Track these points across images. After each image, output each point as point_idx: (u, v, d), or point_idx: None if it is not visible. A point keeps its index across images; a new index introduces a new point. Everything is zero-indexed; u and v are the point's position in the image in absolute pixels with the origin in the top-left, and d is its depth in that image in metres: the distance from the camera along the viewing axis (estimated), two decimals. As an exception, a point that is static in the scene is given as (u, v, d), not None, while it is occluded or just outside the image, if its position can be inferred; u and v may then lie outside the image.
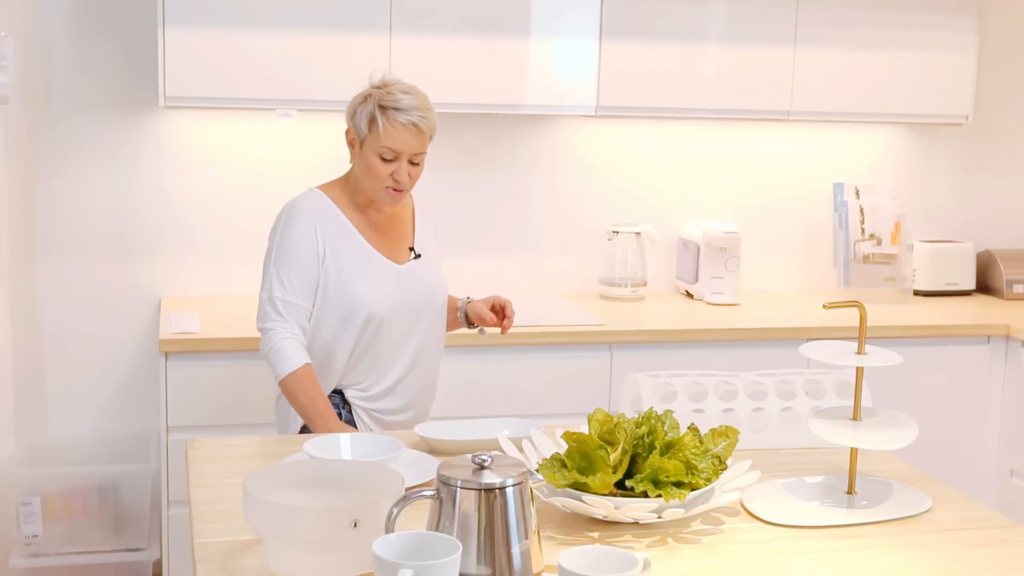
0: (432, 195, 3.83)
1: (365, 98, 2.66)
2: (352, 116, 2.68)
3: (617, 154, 4.06)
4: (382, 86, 2.67)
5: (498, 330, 2.86)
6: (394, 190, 2.67)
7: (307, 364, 2.63)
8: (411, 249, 2.79)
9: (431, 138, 2.70)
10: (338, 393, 2.75)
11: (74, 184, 3.67)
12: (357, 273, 2.69)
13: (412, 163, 2.67)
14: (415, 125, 2.63)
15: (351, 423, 2.71)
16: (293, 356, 2.62)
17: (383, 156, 2.64)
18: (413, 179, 2.69)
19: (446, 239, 3.48)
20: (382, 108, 2.62)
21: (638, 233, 3.95)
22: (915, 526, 2.05)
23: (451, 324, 2.93)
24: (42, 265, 3.68)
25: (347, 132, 2.71)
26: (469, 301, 2.91)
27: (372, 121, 2.63)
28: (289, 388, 2.62)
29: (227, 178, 3.75)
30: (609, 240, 3.96)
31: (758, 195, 4.18)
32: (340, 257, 2.68)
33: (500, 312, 2.85)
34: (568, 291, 4.04)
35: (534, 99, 3.65)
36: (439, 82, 3.55)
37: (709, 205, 4.14)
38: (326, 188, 2.77)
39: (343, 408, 2.73)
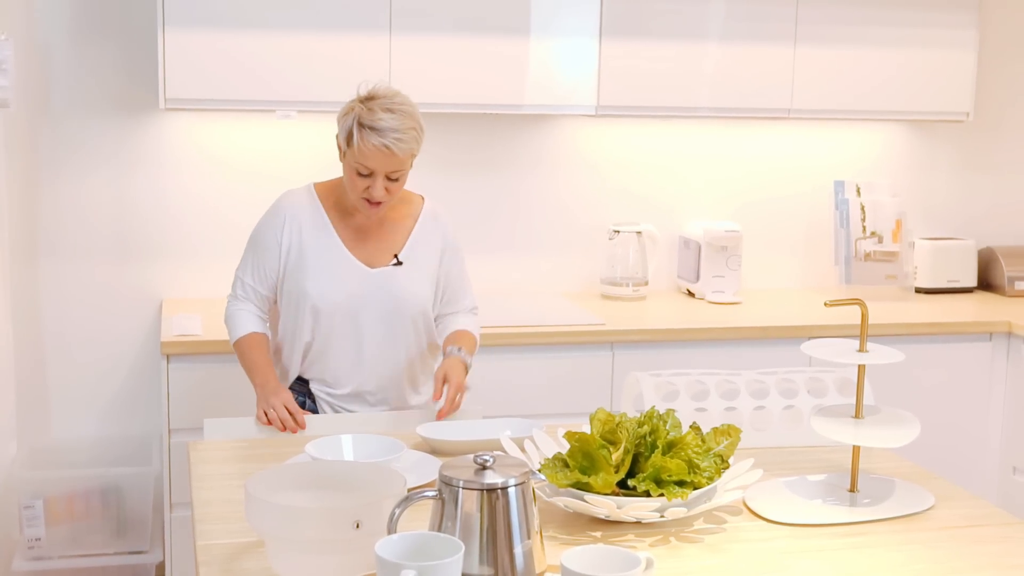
0: (433, 195, 3.85)
1: (349, 110, 2.66)
2: (338, 125, 2.70)
3: (618, 153, 4.06)
4: (368, 99, 2.65)
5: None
6: (369, 203, 2.68)
7: (254, 332, 2.78)
8: (395, 256, 2.78)
9: (413, 156, 2.68)
10: (303, 383, 2.81)
11: (75, 187, 3.67)
12: (315, 268, 2.73)
13: (390, 179, 2.66)
14: (388, 148, 2.60)
15: (314, 412, 2.78)
16: (242, 324, 2.79)
17: (359, 171, 2.65)
18: (391, 193, 2.68)
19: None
20: (360, 125, 2.61)
21: (639, 232, 3.95)
22: (917, 524, 2.05)
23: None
24: (43, 267, 3.69)
25: (336, 137, 2.72)
26: (448, 356, 2.77)
27: (350, 136, 2.64)
28: (237, 352, 2.80)
29: (228, 180, 3.76)
30: (610, 239, 3.96)
31: (759, 193, 4.18)
32: (304, 251, 2.74)
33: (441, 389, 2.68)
34: (569, 290, 4.04)
35: (534, 99, 3.65)
36: (439, 82, 3.56)
37: (710, 204, 4.14)
38: (321, 186, 2.82)
39: (308, 398, 2.81)
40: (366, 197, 2.67)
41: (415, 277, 2.79)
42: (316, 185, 2.82)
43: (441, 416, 2.65)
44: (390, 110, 2.62)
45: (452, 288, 2.87)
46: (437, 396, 2.67)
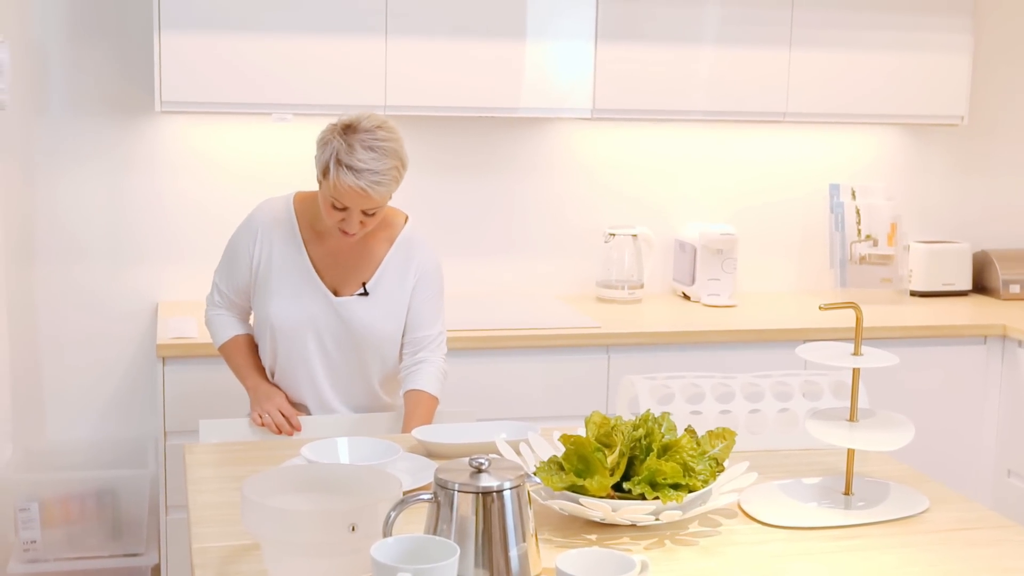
0: (428, 198, 3.87)
1: (327, 141, 2.55)
2: (316, 148, 2.60)
3: (613, 156, 4.06)
4: (349, 131, 2.54)
5: None
6: (343, 232, 2.62)
7: (236, 336, 2.80)
8: (363, 284, 2.71)
9: (390, 195, 2.60)
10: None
11: (71, 189, 3.67)
12: (279, 287, 2.69)
13: (366, 213, 2.59)
14: (364, 190, 2.51)
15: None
16: (223, 329, 2.80)
17: (333, 204, 2.57)
18: (366, 226, 2.61)
19: (443, 241, 3.49)
20: (338, 162, 2.51)
21: (635, 235, 3.95)
22: (912, 527, 2.05)
23: None
24: (39, 270, 3.68)
25: (314, 158, 2.64)
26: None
27: (326, 170, 2.54)
28: (224, 357, 2.82)
29: (224, 182, 3.75)
30: (606, 242, 3.96)
31: (754, 197, 4.18)
32: (272, 268, 2.69)
33: None
34: (565, 293, 4.05)
35: (530, 102, 3.66)
36: (434, 85, 3.56)
37: (705, 207, 4.15)
38: (301, 197, 2.74)
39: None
40: (341, 228, 2.61)
41: (380, 311, 2.71)
42: (297, 196, 2.74)
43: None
44: (371, 148, 2.51)
45: (421, 315, 2.75)
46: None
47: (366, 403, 2.79)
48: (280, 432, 2.61)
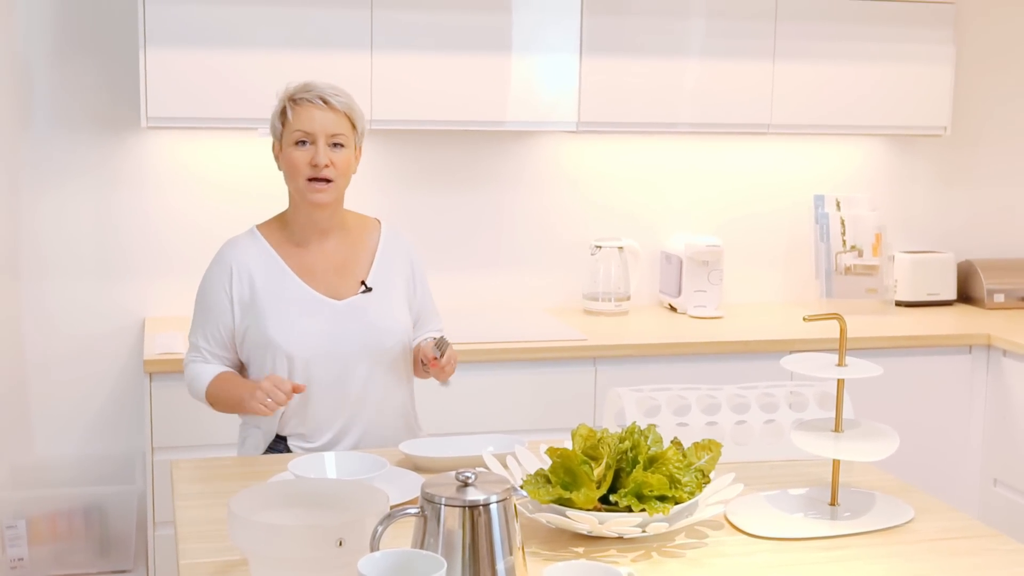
0: (415, 212, 3.87)
1: (278, 102, 2.57)
2: (271, 125, 2.59)
3: (599, 169, 4.07)
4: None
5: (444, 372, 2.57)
6: (317, 180, 2.50)
7: (216, 375, 2.54)
8: (363, 283, 2.60)
9: (355, 127, 2.55)
10: (281, 439, 2.59)
11: (57, 204, 3.67)
12: (275, 312, 2.52)
13: (333, 146, 2.51)
14: (324, 101, 2.50)
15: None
16: (202, 375, 2.56)
17: (297, 141, 2.50)
18: (339, 168, 2.51)
19: (429, 255, 3.49)
20: (291, 99, 2.53)
21: (621, 247, 3.96)
22: (898, 536, 2.06)
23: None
24: (25, 285, 3.68)
25: (272, 147, 2.61)
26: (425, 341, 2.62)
27: (283, 113, 2.53)
28: (211, 402, 2.58)
29: (210, 197, 3.76)
30: (592, 255, 3.97)
31: (740, 208, 4.20)
32: (261, 296, 2.53)
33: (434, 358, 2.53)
34: (552, 306, 4.05)
35: (516, 115, 3.67)
36: (421, 99, 3.57)
37: (691, 219, 4.16)
38: (264, 226, 2.63)
39: (286, 450, 2.58)
40: (312, 174, 2.49)
41: (389, 303, 2.61)
42: (259, 227, 2.63)
43: (442, 375, 2.53)
44: (318, 81, 2.56)
45: (425, 313, 2.72)
46: (432, 360, 2.50)
47: (380, 435, 2.62)
48: (290, 396, 2.40)
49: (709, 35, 3.78)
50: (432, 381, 2.64)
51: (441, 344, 2.51)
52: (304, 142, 2.52)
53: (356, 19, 3.48)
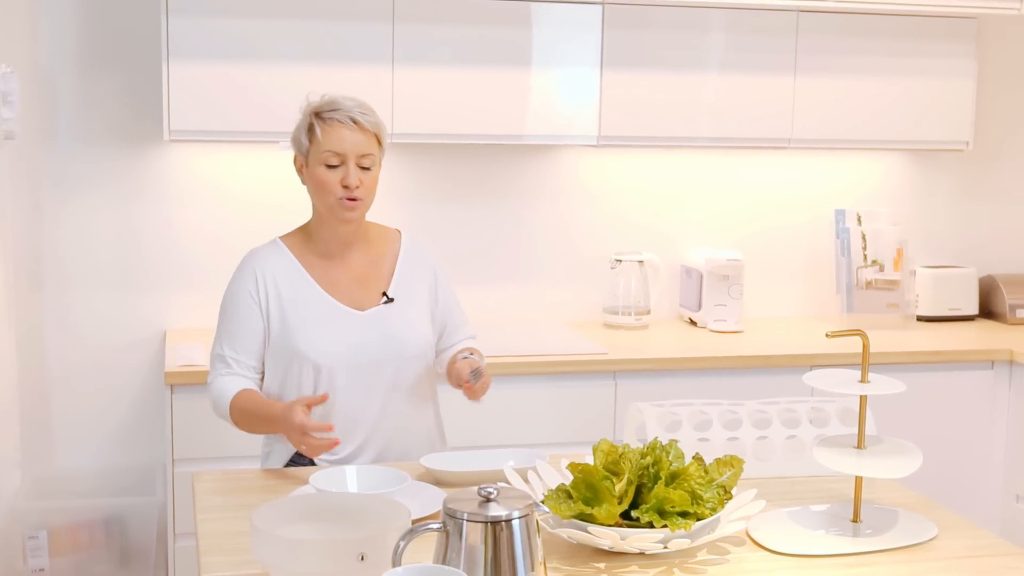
0: (435, 225, 3.88)
1: (302, 117, 2.58)
2: (292, 142, 2.60)
3: (619, 183, 4.07)
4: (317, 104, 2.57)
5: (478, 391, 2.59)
6: (348, 200, 2.51)
7: (239, 392, 2.50)
8: (384, 293, 2.61)
9: (381, 143, 2.56)
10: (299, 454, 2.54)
11: (80, 217, 3.69)
12: (301, 321, 2.53)
13: (362, 167, 2.53)
14: (354, 121, 2.50)
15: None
16: (226, 392, 2.52)
17: (328, 163, 2.51)
18: (367, 187, 2.53)
19: (449, 268, 3.48)
20: (318, 115, 2.53)
21: (641, 261, 3.96)
22: (921, 554, 2.05)
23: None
24: (48, 297, 3.70)
25: (295, 159, 2.62)
26: (457, 360, 2.61)
27: (310, 130, 2.53)
28: (236, 421, 2.53)
29: (232, 210, 3.77)
30: (612, 268, 3.97)
31: (760, 222, 4.19)
32: (286, 306, 2.55)
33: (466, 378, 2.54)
34: (572, 320, 4.05)
35: (536, 129, 3.68)
36: (441, 113, 3.58)
37: (712, 233, 4.16)
38: (287, 237, 2.65)
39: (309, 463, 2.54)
40: (343, 194, 2.50)
41: (411, 313, 2.63)
42: (282, 238, 2.65)
43: (469, 390, 2.53)
44: (347, 97, 2.56)
45: (453, 320, 2.73)
46: (467, 384, 2.52)
47: (400, 443, 2.62)
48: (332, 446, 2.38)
49: (729, 49, 3.78)
50: (460, 392, 2.63)
51: (477, 374, 2.54)
52: (334, 164, 2.53)
53: (377, 33, 3.49)
